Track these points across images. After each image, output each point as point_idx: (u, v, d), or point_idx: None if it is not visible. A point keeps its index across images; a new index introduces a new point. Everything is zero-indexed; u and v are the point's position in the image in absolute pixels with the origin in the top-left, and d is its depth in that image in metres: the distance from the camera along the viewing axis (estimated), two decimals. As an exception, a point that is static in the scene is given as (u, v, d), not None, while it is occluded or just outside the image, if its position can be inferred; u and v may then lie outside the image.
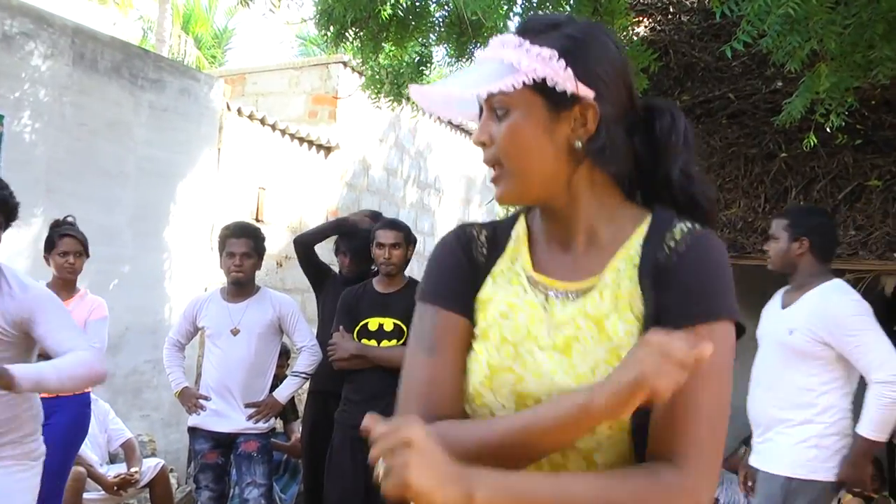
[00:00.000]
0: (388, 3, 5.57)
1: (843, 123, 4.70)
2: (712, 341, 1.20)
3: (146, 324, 7.05)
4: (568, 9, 5.26)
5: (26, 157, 6.10)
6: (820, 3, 3.70)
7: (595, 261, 1.39)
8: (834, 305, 3.78)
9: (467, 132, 13.35)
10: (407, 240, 4.85)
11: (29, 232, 5.85)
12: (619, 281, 1.35)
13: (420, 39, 5.96)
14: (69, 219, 4.91)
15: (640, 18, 7.41)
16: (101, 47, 6.78)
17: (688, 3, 7.69)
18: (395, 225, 4.94)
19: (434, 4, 5.73)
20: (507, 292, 1.41)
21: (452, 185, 12.92)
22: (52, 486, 4.58)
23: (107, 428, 5.95)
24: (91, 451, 5.62)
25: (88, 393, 4.93)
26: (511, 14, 5.12)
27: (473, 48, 5.77)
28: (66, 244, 4.77)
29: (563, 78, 1.31)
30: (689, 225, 1.36)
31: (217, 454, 4.96)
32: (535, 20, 1.40)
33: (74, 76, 6.55)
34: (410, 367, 1.42)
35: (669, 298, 1.31)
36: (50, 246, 4.82)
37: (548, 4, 5.19)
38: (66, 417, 4.44)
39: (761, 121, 6.09)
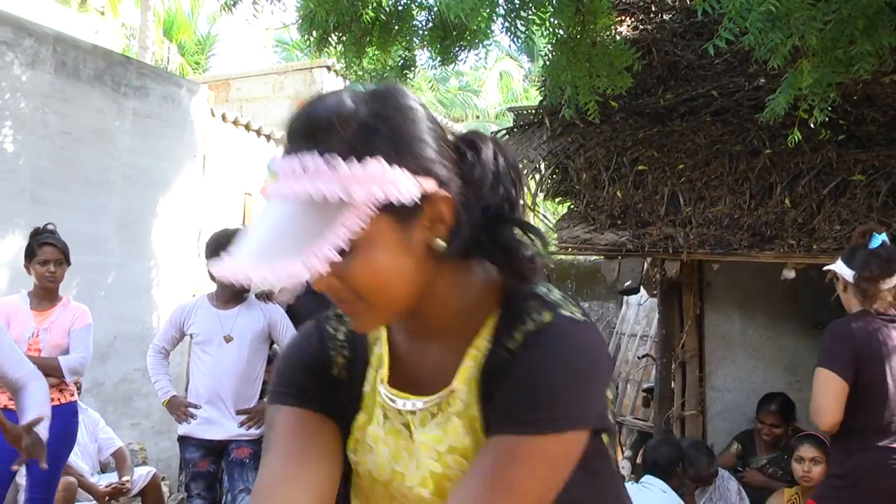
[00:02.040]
0: (371, 7, 5.57)
1: (827, 119, 4.72)
2: (526, 457, 1.10)
3: (134, 332, 7.04)
4: (551, 9, 5.26)
5: (9, 167, 6.07)
6: (801, 0, 3.71)
7: (450, 359, 1.22)
8: None
9: (452, 134, 13.38)
10: None
11: (13, 241, 5.82)
12: (472, 391, 1.21)
13: (403, 43, 5.97)
14: (49, 227, 4.86)
15: (623, 18, 7.42)
16: (83, 55, 6.76)
17: (670, 1, 7.72)
18: None
19: (417, 8, 5.73)
20: (373, 422, 1.27)
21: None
22: (41, 496, 4.57)
23: (97, 437, 5.94)
24: (82, 460, 5.61)
25: (75, 402, 4.90)
26: (494, 16, 5.12)
27: (457, 51, 5.78)
28: (45, 253, 4.72)
29: (405, 188, 1.08)
30: (540, 316, 1.17)
31: (209, 462, 4.94)
32: (314, 117, 1.12)
33: (57, 85, 6.53)
34: (261, 473, 1.26)
35: (496, 403, 1.16)
36: (30, 255, 4.76)
37: (530, 5, 5.19)
38: (53, 428, 4.42)
39: (745, 118, 6.12)
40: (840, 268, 3.80)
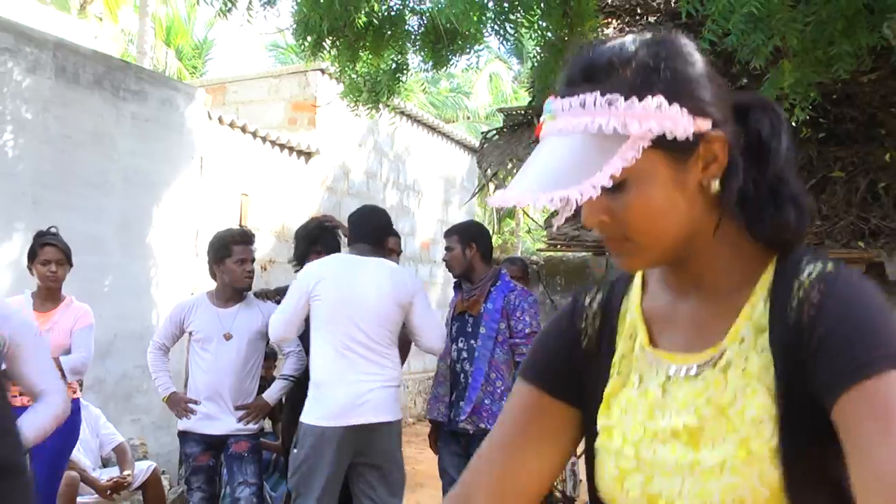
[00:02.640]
0: (364, 13, 5.57)
1: (808, 117, 4.74)
2: (884, 394, 0.98)
3: (134, 330, 7.02)
4: (539, 12, 5.27)
5: (11, 171, 6.06)
6: (781, 2, 3.73)
7: (720, 319, 1.16)
8: None
9: (444, 134, 13.38)
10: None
11: (15, 244, 5.81)
12: (745, 354, 1.12)
13: (396, 47, 5.97)
14: (52, 229, 4.88)
15: (609, 20, 7.44)
16: (82, 60, 6.75)
17: (654, 3, 7.73)
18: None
19: (409, 13, 5.73)
20: (628, 385, 1.22)
21: (431, 187, 12.95)
22: (44, 492, 4.56)
23: (98, 433, 5.93)
24: (84, 455, 5.60)
25: (77, 400, 4.91)
26: (484, 19, 5.12)
27: (449, 55, 5.78)
28: (47, 253, 4.74)
29: (682, 124, 1.07)
30: (817, 267, 1.11)
31: (208, 456, 4.94)
32: (594, 60, 1.12)
33: (57, 89, 6.51)
34: (485, 442, 1.30)
35: (825, 363, 1.04)
36: (32, 256, 4.79)
37: (519, 9, 5.19)
38: (55, 426, 4.43)
39: (728, 117, 6.13)
40: None
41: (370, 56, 6.04)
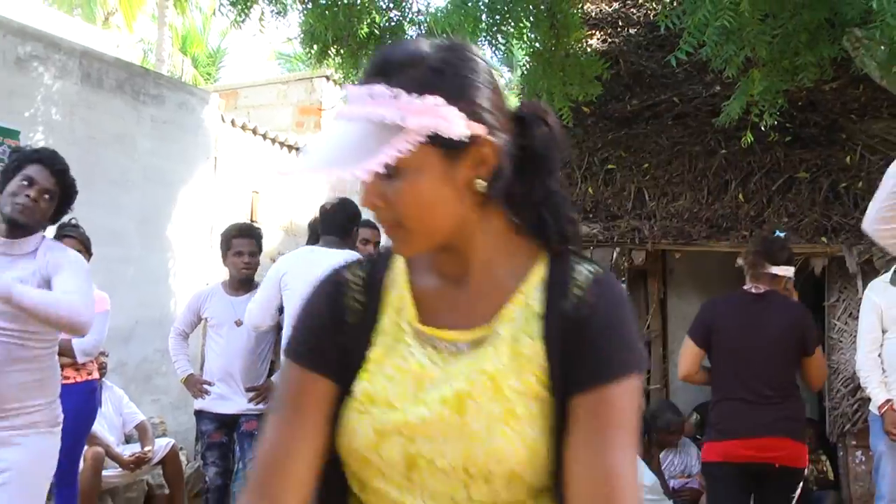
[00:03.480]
0: (366, 24, 5.58)
1: (775, 122, 4.76)
2: (624, 398, 1.10)
3: (153, 317, 7.02)
4: (528, 24, 5.28)
5: (40, 169, 6.05)
6: (752, 16, 3.75)
7: (488, 303, 1.18)
8: None
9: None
10: None
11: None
12: (516, 334, 1.15)
13: (396, 55, 5.97)
14: (72, 221, 4.86)
15: (593, 32, 7.45)
16: (106, 67, 6.75)
17: (635, 17, 7.74)
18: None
19: (408, 24, 5.73)
20: (394, 354, 1.19)
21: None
22: (67, 466, 4.56)
23: (122, 412, 5.94)
24: (108, 433, 5.62)
25: (94, 381, 4.88)
26: (478, 31, 5.13)
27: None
28: (67, 244, 4.71)
29: (455, 125, 1.08)
30: (589, 269, 1.17)
31: (222, 433, 4.95)
32: (390, 57, 1.14)
33: (82, 94, 6.51)
34: (267, 428, 1.23)
35: (582, 356, 1.11)
36: None
37: (509, 21, 5.20)
38: (72, 404, 4.40)
39: (703, 121, 6.16)
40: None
41: (372, 64, 6.05)
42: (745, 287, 3.95)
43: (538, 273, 1.18)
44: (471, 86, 1.12)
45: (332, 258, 4.38)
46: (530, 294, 1.16)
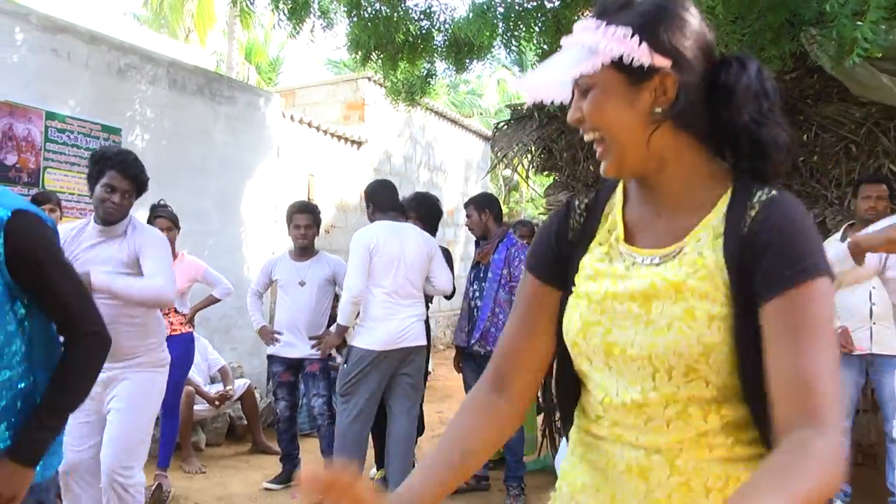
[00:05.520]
0: (402, 32, 5.57)
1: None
2: (814, 298, 0.99)
3: (231, 280, 6.94)
4: (537, 28, 5.24)
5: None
6: (724, 18, 3.72)
7: (681, 226, 1.15)
8: None
9: (464, 126, 13.34)
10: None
11: (142, 216, 5.88)
12: (700, 250, 1.11)
13: (427, 58, 5.96)
14: (162, 202, 4.93)
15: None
16: (188, 74, 6.80)
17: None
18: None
19: (436, 31, 5.72)
20: (599, 260, 1.20)
21: (454, 167, 12.94)
22: (171, 401, 4.69)
23: (207, 358, 6.04)
24: (197, 375, 5.73)
25: (191, 332, 5.00)
26: (495, 35, 5.11)
27: (469, 62, 5.77)
28: (159, 223, 4.78)
29: (638, 53, 1.07)
30: (766, 192, 1.09)
31: (289, 374, 5.02)
32: (608, 2, 1.14)
33: (170, 97, 6.57)
34: (507, 324, 1.30)
35: (763, 267, 1.03)
36: (150, 223, 4.86)
37: (521, 26, 5.17)
38: (176, 351, 4.54)
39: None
40: None
41: (407, 65, 6.04)
42: None
43: (724, 200, 1.13)
44: (666, 28, 1.10)
45: (407, 230, 4.39)
46: (715, 216, 1.12)
